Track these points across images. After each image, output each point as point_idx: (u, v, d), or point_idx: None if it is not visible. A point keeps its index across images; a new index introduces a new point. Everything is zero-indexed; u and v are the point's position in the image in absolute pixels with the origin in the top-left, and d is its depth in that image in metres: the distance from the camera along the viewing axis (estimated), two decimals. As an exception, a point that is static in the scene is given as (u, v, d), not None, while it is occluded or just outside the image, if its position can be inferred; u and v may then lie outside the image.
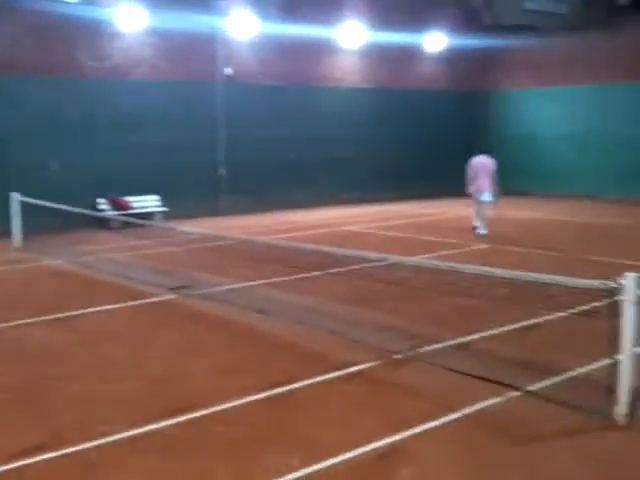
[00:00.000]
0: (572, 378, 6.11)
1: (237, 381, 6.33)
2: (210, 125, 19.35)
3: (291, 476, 4.53)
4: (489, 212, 15.28)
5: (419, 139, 23.61)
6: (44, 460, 4.82)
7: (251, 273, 10.74)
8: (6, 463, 4.75)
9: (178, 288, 9.87)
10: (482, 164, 15.01)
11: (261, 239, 11.06)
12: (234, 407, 5.70)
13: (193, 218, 17.15)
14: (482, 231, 14.89)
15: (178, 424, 5.38)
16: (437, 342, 7.20)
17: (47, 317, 8.66)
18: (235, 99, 19.58)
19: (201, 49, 19.03)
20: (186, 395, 5.99)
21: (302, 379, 6.22)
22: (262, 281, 10.34)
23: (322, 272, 10.33)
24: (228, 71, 19.44)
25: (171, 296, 9.63)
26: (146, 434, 5.21)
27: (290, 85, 20.70)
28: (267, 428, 5.33)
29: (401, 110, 23.10)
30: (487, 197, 14.90)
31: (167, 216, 17.69)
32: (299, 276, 10.41)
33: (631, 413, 5.18)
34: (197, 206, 18.50)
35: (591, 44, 22.21)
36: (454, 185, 24.14)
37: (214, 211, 19.04)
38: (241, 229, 15.61)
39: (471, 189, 15.13)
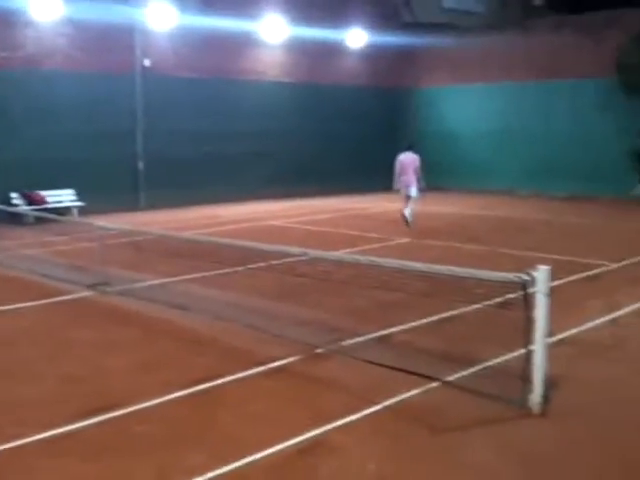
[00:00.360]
0: (488, 368, 6.28)
1: (158, 379, 6.21)
2: (128, 117, 18.93)
3: (213, 474, 4.47)
4: (416, 206, 15.58)
5: (343, 134, 23.79)
6: (-49, 467, 4.60)
7: (171, 269, 10.55)
8: None
9: (95, 285, 9.60)
10: (408, 160, 15.52)
11: (181, 234, 10.90)
12: (155, 405, 5.58)
13: (111, 213, 16.71)
14: (408, 220, 15.23)
15: (96, 424, 5.23)
16: (358, 335, 7.26)
17: (-45, 317, 8.29)
18: (154, 91, 19.22)
19: (118, 40, 18.57)
20: (105, 394, 5.83)
21: (224, 375, 6.15)
22: (182, 277, 10.18)
23: (243, 267, 10.25)
24: (146, 62, 19.06)
25: (88, 293, 9.36)
26: (63, 435, 5.05)
27: (211, 78, 20.47)
28: (188, 426, 5.25)
29: (324, 105, 23.22)
30: (413, 192, 15.42)
31: (84, 211, 17.20)
32: (220, 271, 10.29)
33: (545, 401, 5.36)
34: (116, 201, 18.03)
35: (507, 43, 22.89)
36: (378, 180, 24.45)
37: (133, 206, 18.65)
38: (161, 224, 15.31)
39: (398, 184, 15.60)
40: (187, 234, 10.96)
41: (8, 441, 4.91)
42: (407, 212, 15.33)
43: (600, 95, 21.08)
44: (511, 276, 5.46)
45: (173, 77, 19.68)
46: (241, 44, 21.15)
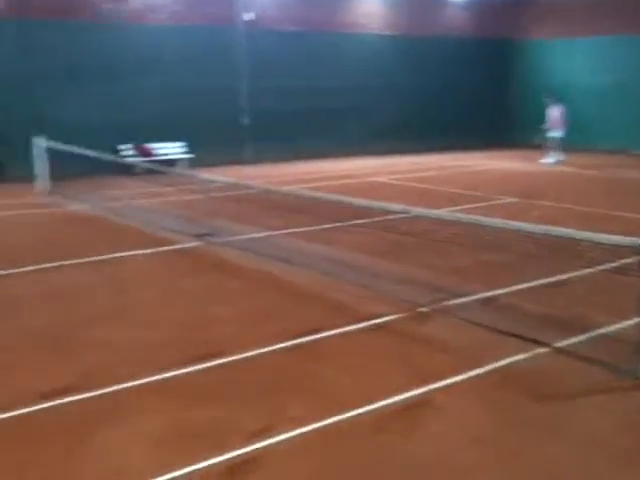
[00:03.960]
0: (600, 336, 6.02)
1: (261, 329, 6.33)
2: (232, 71, 19.14)
3: (315, 425, 4.53)
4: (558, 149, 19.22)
5: (445, 89, 23.21)
6: (72, 401, 4.87)
7: (275, 223, 10.70)
8: (37, 403, 4.82)
9: (202, 236, 9.87)
10: (554, 109, 19.52)
11: (285, 189, 10.98)
12: (259, 355, 5.70)
13: (217, 166, 17.11)
14: (555, 159, 19.28)
15: (203, 370, 5.40)
16: (462, 296, 7.13)
17: (74, 261, 8.73)
18: (257, 45, 19.31)
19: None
20: (211, 342, 6.01)
21: (326, 330, 6.20)
22: (286, 231, 10.30)
23: (346, 223, 10.27)
24: (249, 16, 19.11)
25: (195, 243, 9.64)
26: (172, 379, 5.24)
27: (313, 31, 20.33)
28: (292, 377, 5.33)
29: (426, 58, 22.68)
30: (558, 133, 19.43)
31: (191, 163, 17.65)
32: (323, 227, 10.36)
33: (660, 373, 5.11)
34: (221, 154, 18.43)
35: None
36: (481, 137, 23.81)
37: (238, 159, 18.97)
38: (265, 178, 15.53)
39: (546, 128, 19.61)
40: (291, 189, 11.02)
41: (124, 382, 5.15)
42: (558, 155, 19.30)
43: None
44: (628, 240, 5.18)
45: (276, 31, 19.68)
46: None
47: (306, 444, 4.36)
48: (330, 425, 4.57)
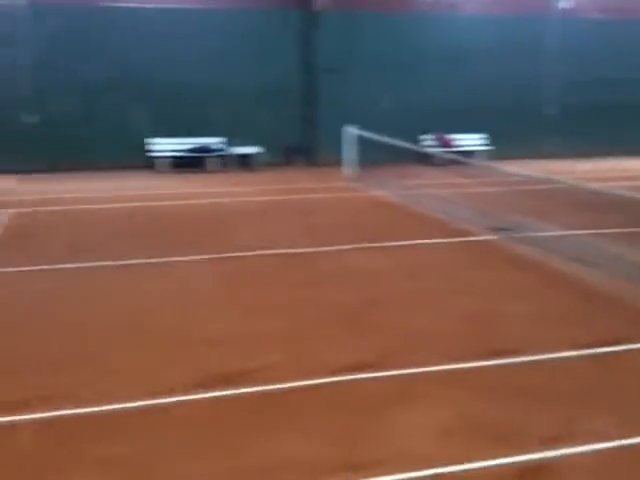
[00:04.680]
0: None
1: (557, 332, 5.99)
2: (539, 62, 18.42)
3: (616, 443, 4.16)
4: None
5: None
6: (365, 379, 5.04)
7: (578, 221, 10.08)
8: (328, 376, 5.06)
9: (498, 229, 9.67)
10: None
11: (594, 186, 10.27)
12: (554, 358, 5.39)
13: (515, 159, 16.63)
14: None
15: (494, 366, 5.25)
16: None
17: (370, 245, 9.12)
18: (570, 34, 18.33)
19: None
20: (503, 338, 5.83)
21: (631, 342, 5.67)
22: (590, 231, 9.64)
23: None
24: (564, 4, 18.17)
25: (490, 237, 9.47)
26: (462, 370, 5.18)
27: (632, 20, 18.71)
28: (591, 388, 4.93)
29: None
30: None
31: (492, 156, 17.40)
32: (631, 230, 9.51)
33: None
34: (522, 147, 17.90)
35: None
36: None
37: (537, 153, 18.26)
38: (567, 174, 14.71)
39: None
40: (599, 186, 10.28)
41: (413, 366, 5.22)
42: None
43: None
44: None
45: (592, 19, 18.49)
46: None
47: (604, 461, 4.02)
48: (634, 446, 4.16)
